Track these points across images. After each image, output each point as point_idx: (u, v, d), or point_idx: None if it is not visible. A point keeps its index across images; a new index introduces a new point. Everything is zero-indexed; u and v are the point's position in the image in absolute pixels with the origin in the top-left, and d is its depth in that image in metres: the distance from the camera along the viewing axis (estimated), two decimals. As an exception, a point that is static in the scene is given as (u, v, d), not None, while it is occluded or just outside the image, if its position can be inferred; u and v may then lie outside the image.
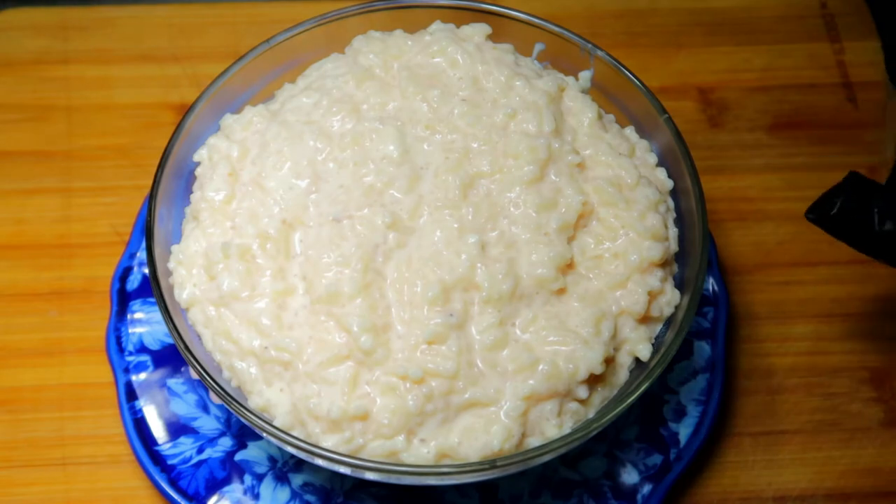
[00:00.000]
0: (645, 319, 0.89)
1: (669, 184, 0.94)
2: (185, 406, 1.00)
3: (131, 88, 1.20)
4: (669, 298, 0.89)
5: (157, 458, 0.97)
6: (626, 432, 0.99)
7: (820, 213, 0.88)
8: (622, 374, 0.88)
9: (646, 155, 0.95)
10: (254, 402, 0.85)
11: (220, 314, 0.86)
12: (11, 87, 1.20)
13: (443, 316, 0.83)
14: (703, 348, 1.03)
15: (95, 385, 1.03)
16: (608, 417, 0.84)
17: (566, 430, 0.84)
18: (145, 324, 1.03)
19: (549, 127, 0.91)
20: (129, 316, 1.03)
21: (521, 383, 0.83)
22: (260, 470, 0.97)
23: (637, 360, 0.88)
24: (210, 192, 0.91)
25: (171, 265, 0.90)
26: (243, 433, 0.99)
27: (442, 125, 0.90)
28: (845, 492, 1.01)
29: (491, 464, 0.82)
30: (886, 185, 0.87)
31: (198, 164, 0.95)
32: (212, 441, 0.98)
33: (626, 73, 0.97)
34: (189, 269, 0.89)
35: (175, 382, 1.00)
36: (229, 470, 0.97)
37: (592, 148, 0.92)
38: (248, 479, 0.97)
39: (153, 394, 1.00)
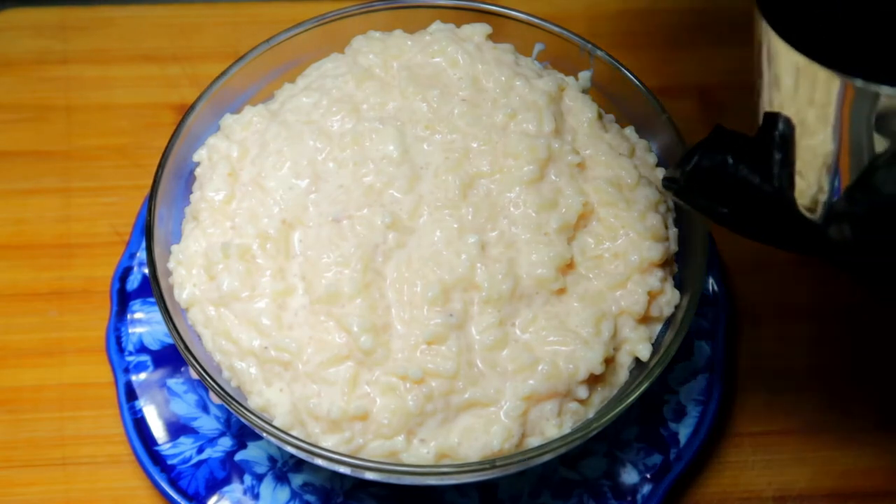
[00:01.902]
0: (645, 319, 0.89)
1: (669, 184, 0.94)
2: (185, 406, 1.00)
3: (131, 88, 1.20)
4: (669, 298, 0.89)
5: (157, 458, 0.97)
6: (626, 432, 0.99)
7: (677, 171, 0.73)
8: (622, 374, 0.88)
9: (646, 155, 0.95)
10: (253, 402, 0.85)
11: (220, 314, 0.86)
12: (11, 87, 1.20)
13: (443, 316, 0.83)
14: (703, 348, 1.03)
15: (95, 385, 1.03)
16: (608, 417, 0.84)
17: (566, 430, 0.84)
18: (145, 324, 1.03)
19: (549, 127, 0.91)
20: (129, 316, 1.03)
21: (521, 383, 0.83)
22: (260, 470, 0.97)
23: (637, 360, 0.88)
24: (210, 192, 0.91)
25: (171, 265, 0.90)
26: (243, 433, 0.99)
27: (442, 125, 0.90)
28: (845, 492, 1.01)
29: (491, 464, 0.82)
30: (756, 136, 0.72)
31: (198, 164, 0.95)
32: (212, 441, 0.98)
33: (626, 73, 0.97)
34: (189, 269, 0.89)
35: (175, 382, 1.00)
36: (229, 470, 0.97)
37: (592, 148, 0.92)
38: (248, 479, 0.97)
39: (153, 394, 1.00)
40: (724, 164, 0.70)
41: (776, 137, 0.68)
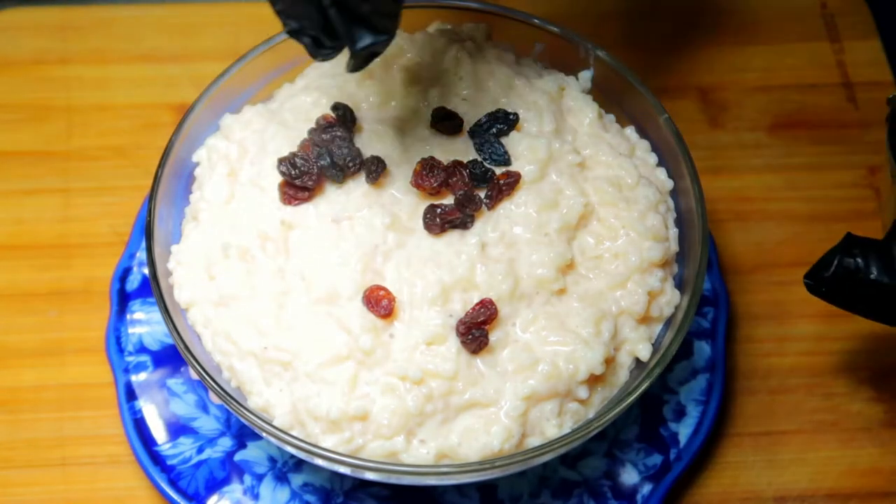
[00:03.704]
0: (645, 319, 0.88)
1: (669, 184, 0.94)
2: (184, 406, 0.99)
3: (131, 88, 1.20)
4: (669, 298, 0.89)
5: (157, 459, 0.97)
6: (626, 432, 0.99)
7: (817, 276, 0.86)
8: (622, 374, 0.88)
9: (646, 155, 0.95)
10: (253, 403, 0.85)
11: (220, 314, 0.86)
12: (11, 87, 1.20)
13: (442, 316, 0.83)
14: (703, 348, 1.03)
15: (95, 385, 1.03)
16: (608, 417, 0.84)
17: (566, 430, 0.84)
18: (145, 324, 1.02)
19: (550, 127, 0.91)
20: (128, 316, 1.03)
21: (521, 383, 0.83)
22: (260, 470, 0.97)
23: (637, 360, 0.88)
24: (209, 192, 0.91)
25: (171, 265, 0.90)
26: (243, 433, 0.99)
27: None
28: (845, 492, 1.01)
29: (491, 464, 0.82)
30: (882, 241, 0.86)
31: (197, 164, 0.95)
32: (211, 441, 0.98)
33: (626, 73, 0.97)
34: (189, 270, 0.89)
35: (175, 382, 1.00)
36: (229, 470, 0.97)
37: (593, 148, 0.92)
38: (247, 479, 0.97)
39: (153, 394, 1.00)
40: (857, 269, 0.84)
41: None
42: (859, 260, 0.84)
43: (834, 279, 0.85)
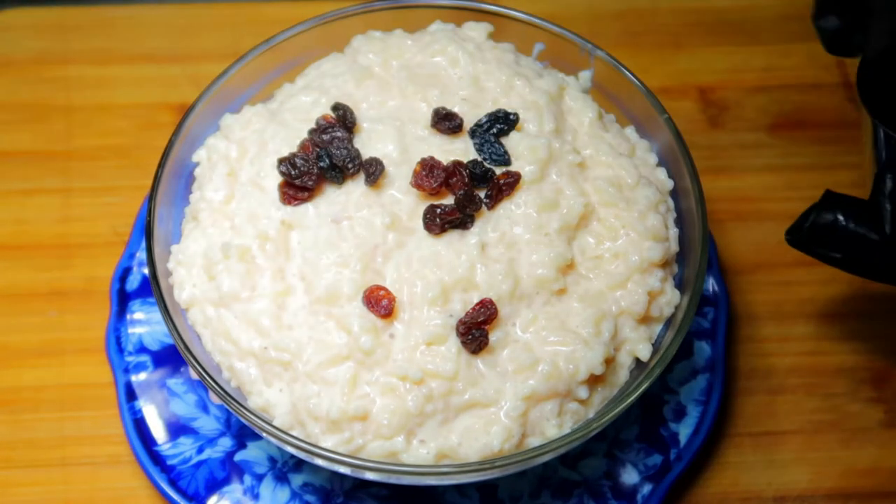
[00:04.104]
0: (645, 319, 0.88)
1: (669, 184, 0.94)
2: (184, 406, 0.99)
3: (131, 88, 1.20)
4: (669, 298, 0.89)
5: (157, 459, 0.97)
6: (626, 432, 0.99)
7: (796, 232, 0.91)
8: (622, 374, 0.88)
9: (646, 155, 0.95)
10: (253, 403, 0.85)
11: (220, 314, 0.86)
12: (11, 87, 1.20)
13: (442, 316, 0.83)
14: (703, 348, 1.03)
15: (95, 385, 1.03)
16: (608, 417, 0.84)
17: (566, 430, 0.84)
18: (145, 324, 1.02)
19: (550, 127, 0.91)
20: (128, 316, 1.03)
21: (522, 383, 0.83)
22: (260, 470, 0.97)
23: (637, 360, 0.88)
24: (209, 192, 0.91)
25: (170, 265, 0.90)
26: (243, 433, 0.99)
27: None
28: (845, 492, 1.01)
29: (491, 464, 0.82)
30: (869, 200, 0.90)
31: (197, 164, 0.95)
32: (211, 441, 0.98)
33: (626, 73, 0.97)
34: (189, 270, 0.89)
35: (175, 382, 1.00)
36: (229, 470, 0.97)
37: (593, 148, 0.92)
38: (247, 479, 0.97)
39: (153, 394, 1.00)
40: (836, 222, 0.90)
41: (887, 195, 0.88)
42: (839, 215, 0.89)
43: (812, 231, 0.90)
